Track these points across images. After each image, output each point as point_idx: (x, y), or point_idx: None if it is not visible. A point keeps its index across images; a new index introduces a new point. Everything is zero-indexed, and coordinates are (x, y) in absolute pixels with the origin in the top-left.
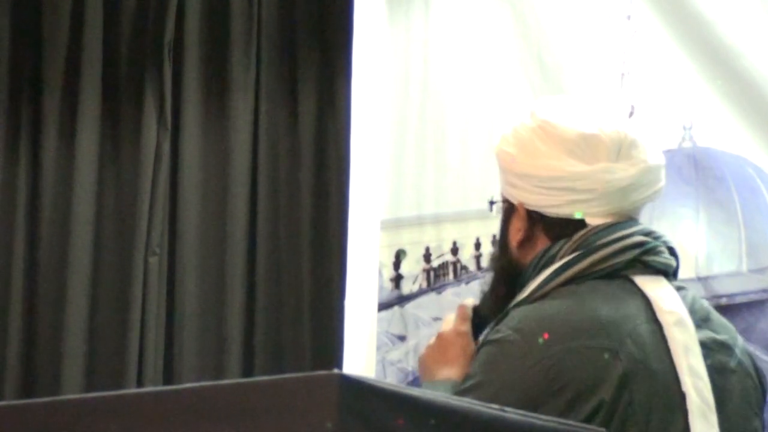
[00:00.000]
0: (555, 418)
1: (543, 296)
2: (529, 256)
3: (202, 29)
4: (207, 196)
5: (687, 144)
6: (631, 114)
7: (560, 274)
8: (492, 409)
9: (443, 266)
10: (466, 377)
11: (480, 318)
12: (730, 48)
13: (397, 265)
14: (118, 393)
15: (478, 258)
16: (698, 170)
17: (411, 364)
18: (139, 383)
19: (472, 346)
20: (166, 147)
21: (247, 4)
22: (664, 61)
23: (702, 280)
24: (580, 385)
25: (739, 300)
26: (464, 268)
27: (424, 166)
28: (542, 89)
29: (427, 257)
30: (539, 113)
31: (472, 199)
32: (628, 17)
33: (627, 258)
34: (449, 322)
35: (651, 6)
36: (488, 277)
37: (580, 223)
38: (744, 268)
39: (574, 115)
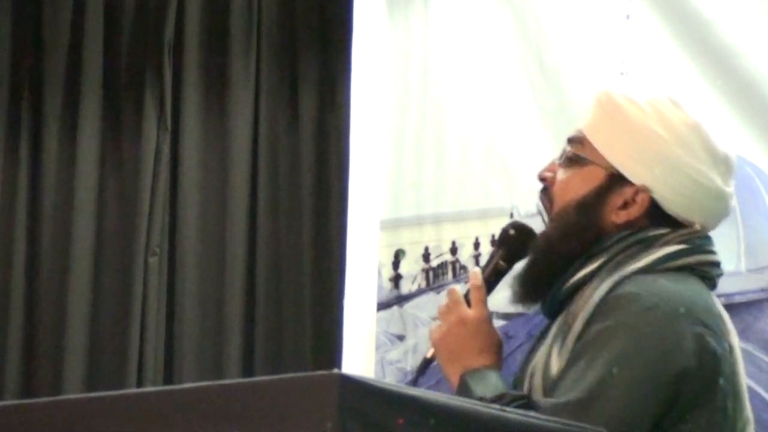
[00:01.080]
0: (555, 418)
1: (661, 272)
2: (619, 230)
3: (202, 29)
4: (207, 196)
5: None
6: None
7: (679, 257)
8: (492, 408)
9: (442, 266)
10: (610, 335)
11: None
12: (729, 48)
13: (396, 264)
14: (118, 393)
15: (477, 258)
16: None
17: (410, 364)
18: (139, 383)
19: (497, 334)
20: (166, 147)
21: (247, 4)
22: (663, 60)
23: None
24: (712, 367)
25: (737, 300)
26: (463, 267)
27: (424, 166)
28: (542, 89)
29: (426, 257)
30: (689, 111)
31: (472, 199)
32: (628, 17)
33: (714, 274)
34: (457, 298)
35: (650, 5)
36: (551, 224)
37: (678, 223)
38: (742, 267)
39: (716, 130)
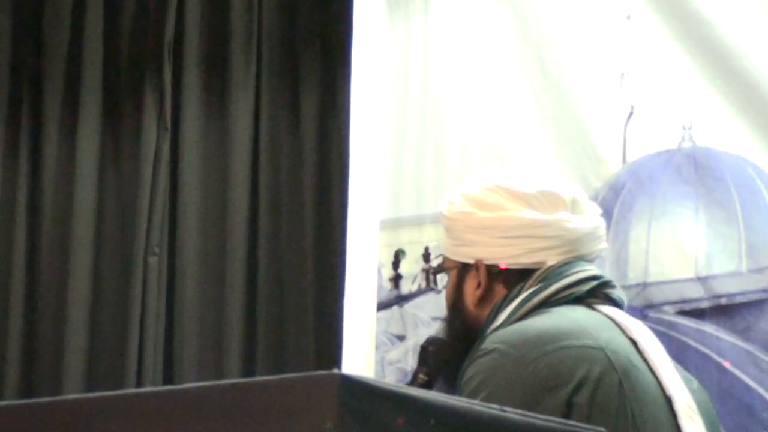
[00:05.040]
0: (555, 418)
1: (516, 321)
2: (487, 310)
3: (202, 29)
4: (207, 196)
5: (687, 144)
6: (630, 114)
7: (529, 300)
8: (492, 409)
9: None
10: (462, 389)
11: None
12: (730, 48)
13: (396, 264)
14: (118, 393)
15: None
16: (698, 170)
17: (410, 364)
18: (139, 383)
19: None
20: (166, 147)
21: (248, 4)
22: (663, 61)
23: (701, 279)
24: (574, 378)
25: (738, 300)
26: None
27: (424, 165)
28: (542, 89)
29: (427, 257)
30: (492, 178)
31: None
32: (628, 17)
33: (588, 287)
34: None
35: (651, 6)
36: (443, 337)
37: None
38: (743, 267)
39: (527, 178)
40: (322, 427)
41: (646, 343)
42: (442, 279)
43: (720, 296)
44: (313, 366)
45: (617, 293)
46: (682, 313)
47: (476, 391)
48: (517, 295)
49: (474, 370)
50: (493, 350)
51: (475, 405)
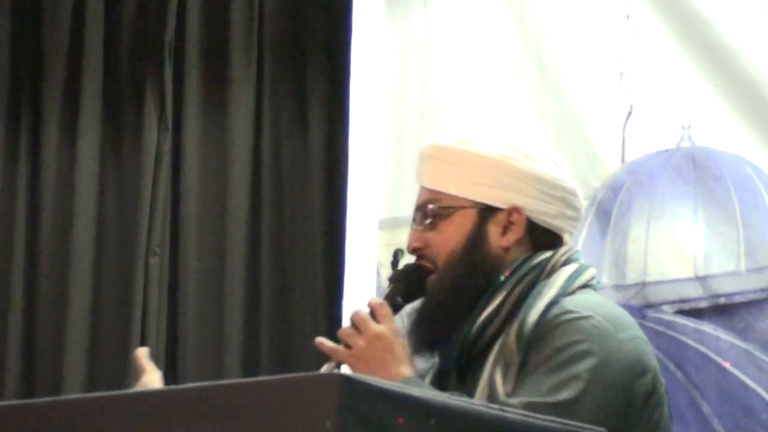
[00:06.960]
0: (555, 418)
1: (572, 293)
2: (510, 257)
3: (203, 29)
4: (208, 196)
5: (686, 143)
6: (629, 114)
7: (578, 276)
8: (492, 408)
9: None
10: (565, 345)
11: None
12: (729, 48)
13: (395, 264)
14: (118, 393)
15: None
16: (697, 170)
17: None
18: None
19: (407, 346)
20: (167, 147)
21: (248, 4)
22: (663, 60)
23: (700, 279)
24: (650, 367)
25: (737, 299)
26: None
27: None
28: (541, 89)
29: None
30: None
31: None
32: (627, 17)
33: (597, 282)
34: (365, 317)
35: (650, 5)
36: (442, 271)
37: (556, 239)
38: (742, 267)
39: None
40: (322, 427)
41: None
42: None
43: (719, 296)
44: (314, 366)
45: None
46: (681, 312)
47: (584, 354)
48: (545, 265)
49: (577, 333)
50: (590, 317)
51: (475, 405)
